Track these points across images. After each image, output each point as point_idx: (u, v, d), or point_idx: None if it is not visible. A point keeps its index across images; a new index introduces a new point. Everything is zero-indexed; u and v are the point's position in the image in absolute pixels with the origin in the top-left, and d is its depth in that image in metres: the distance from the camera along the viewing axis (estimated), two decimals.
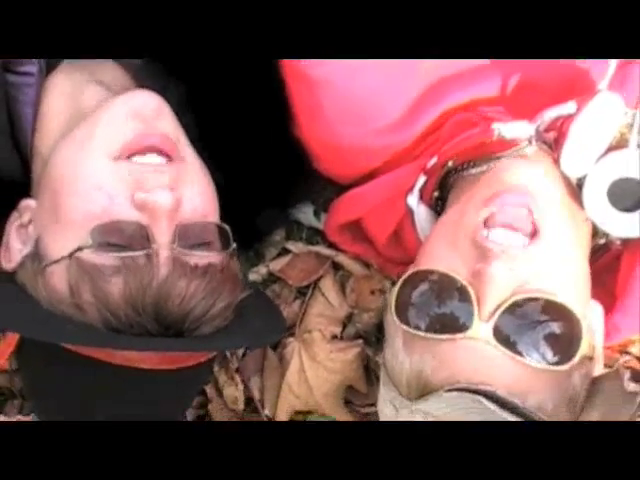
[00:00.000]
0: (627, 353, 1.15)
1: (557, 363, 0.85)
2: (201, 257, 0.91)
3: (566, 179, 0.95)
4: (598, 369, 0.93)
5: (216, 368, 1.20)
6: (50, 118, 1.01)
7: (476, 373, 0.84)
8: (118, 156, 0.91)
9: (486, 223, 0.88)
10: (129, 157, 0.91)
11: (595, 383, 0.92)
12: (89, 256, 0.88)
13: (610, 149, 0.93)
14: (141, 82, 1.03)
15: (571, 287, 0.89)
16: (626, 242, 0.98)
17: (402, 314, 0.90)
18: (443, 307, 0.87)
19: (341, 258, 1.23)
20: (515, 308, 0.85)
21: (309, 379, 1.19)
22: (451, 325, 0.86)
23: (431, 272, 0.90)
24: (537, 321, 0.85)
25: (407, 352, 0.89)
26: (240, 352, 1.22)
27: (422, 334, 0.87)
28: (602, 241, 0.98)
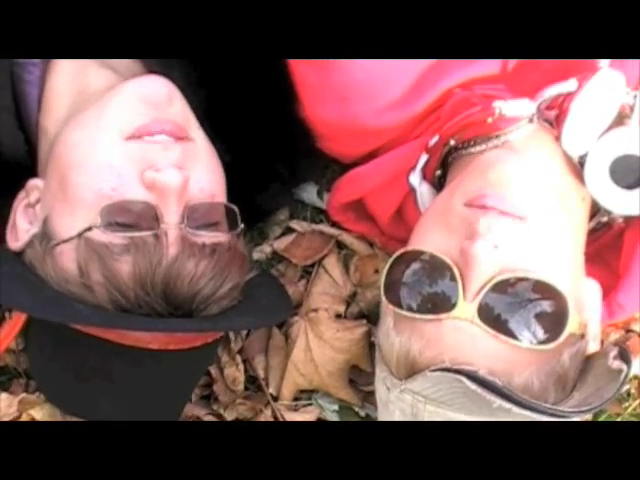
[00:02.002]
0: (630, 331, 1.15)
1: (542, 342, 0.85)
2: (209, 237, 0.92)
3: (567, 157, 0.95)
4: (593, 347, 0.93)
5: (219, 348, 1.20)
6: (56, 98, 1.02)
7: (461, 353, 0.84)
8: (129, 137, 0.91)
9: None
10: (139, 138, 0.91)
11: (587, 361, 0.92)
12: (98, 235, 0.88)
13: (611, 126, 0.92)
14: (148, 64, 1.02)
15: (559, 267, 0.88)
16: (628, 220, 0.98)
17: (390, 294, 0.90)
18: (429, 287, 0.87)
19: (345, 237, 1.23)
20: (499, 287, 0.84)
21: (315, 357, 1.19)
22: (438, 305, 0.86)
23: (418, 252, 0.90)
24: (522, 300, 0.85)
25: (397, 332, 0.89)
26: (244, 331, 1.22)
27: (409, 314, 0.87)
28: (604, 219, 0.98)
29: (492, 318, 0.84)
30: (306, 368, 1.20)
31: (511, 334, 0.84)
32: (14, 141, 1.01)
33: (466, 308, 0.84)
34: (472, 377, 0.81)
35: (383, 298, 0.91)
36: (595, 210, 0.98)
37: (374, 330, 1.20)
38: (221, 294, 0.91)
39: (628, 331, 1.15)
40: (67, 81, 1.02)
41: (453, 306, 0.84)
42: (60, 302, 0.89)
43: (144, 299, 0.87)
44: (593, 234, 0.99)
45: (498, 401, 0.79)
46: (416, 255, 0.90)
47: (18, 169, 1.01)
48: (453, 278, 0.85)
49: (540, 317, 0.85)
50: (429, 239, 0.90)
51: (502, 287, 0.84)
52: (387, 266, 0.92)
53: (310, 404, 1.22)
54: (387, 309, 0.92)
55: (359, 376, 1.21)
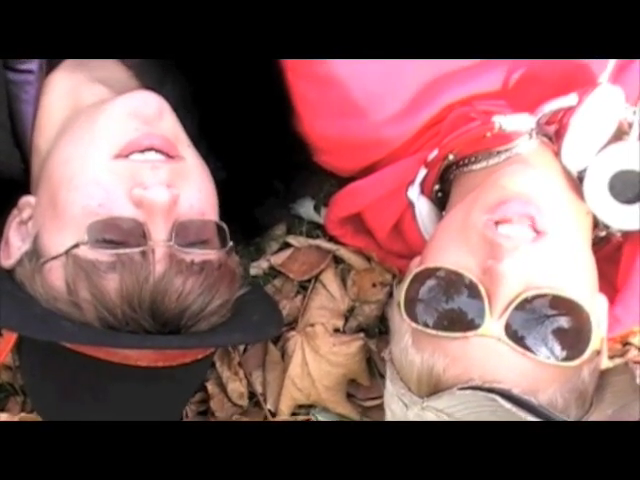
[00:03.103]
0: (628, 344, 1.15)
1: (568, 359, 0.85)
2: (198, 254, 0.91)
3: (567, 172, 0.95)
4: (603, 361, 0.93)
5: (218, 364, 1.20)
6: (50, 116, 1.01)
7: (489, 370, 0.84)
8: (118, 154, 0.91)
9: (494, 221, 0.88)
10: (128, 155, 0.91)
11: (603, 377, 0.92)
12: (85, 253, 0.88)
13: (610, 142, 0.93)
14: (141, 80, 1.02)
15: (580, 282, 0.88)
16: (627, 234, 0.98)
17: (411, 312, 0.90)
18: (453, 304, 0.87)
19: (342, 252, 1.23)
20: (526, 304, 0.84)
21: (312, 372, 1.19)
22: (462, 322, 0.85)
23: (440, 269, 0.89)
24: (548, 317, 0.85)
25: (417, 349, 0.88)
26: (241, 347, 1.22)
27: (433, 332, 0.87)
28: (603, 233, 0.98)
29: (519, 335, 0.84)
30: (303, 383, 1.20)
31: (537, 351, 0.84)
32: (10, 159, 1.01)
33: (493, 326, 0.84)
34: (506, 396, 0.80)
35: (405, 316, 0.90)
36: (594, 224, 0.98)
37: (372, 344, 1.20)
38: (210, 311, 0.90)
39: (626, 344, 1.15)
40: (61, 99, 1.02)
41: (479, 324, 0.84)
42: (47, 320, 0.88)
43: (131, 316, 0.86)
44: (592, 248, 0.99)
45: (534, 420, 0.79)
46: (438, 273, 0.89)
47: (14, 186, 1.00)
48: (478, 295, 0.85)
49: (566, 333, 0.85)
50: (446, 256, 0.90)
51: (528, 304, 0.85)
52: (406, 284, 0.92)
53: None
54: (403, 326, 0.91)
55: (357, 390, 1.21)
